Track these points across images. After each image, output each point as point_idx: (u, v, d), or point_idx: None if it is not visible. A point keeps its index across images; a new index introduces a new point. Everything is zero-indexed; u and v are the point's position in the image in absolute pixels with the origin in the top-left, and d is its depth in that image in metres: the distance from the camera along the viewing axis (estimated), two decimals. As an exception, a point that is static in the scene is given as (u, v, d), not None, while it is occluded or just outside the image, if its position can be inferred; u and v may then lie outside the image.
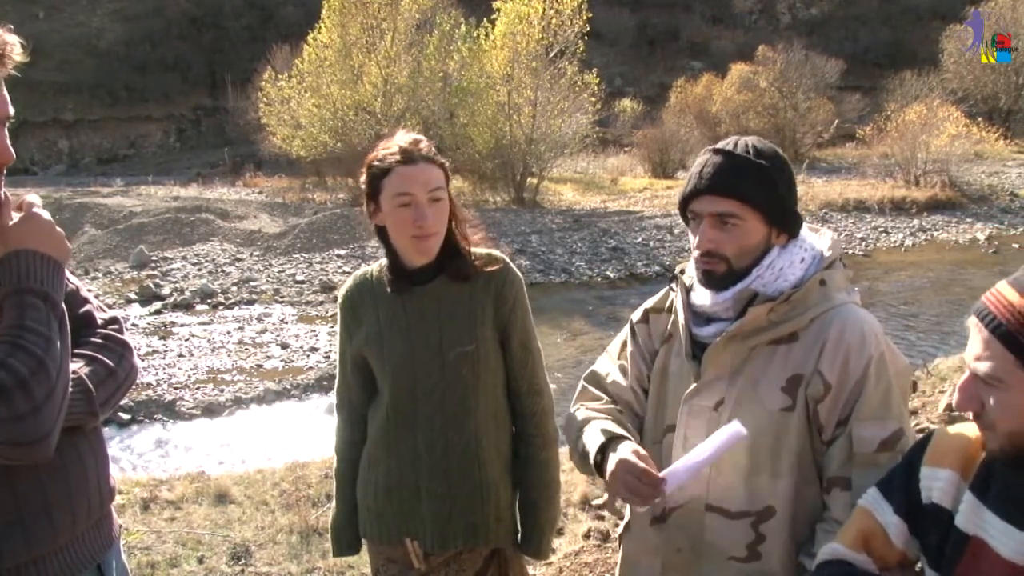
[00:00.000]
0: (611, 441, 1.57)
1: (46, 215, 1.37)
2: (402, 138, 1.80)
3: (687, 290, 1.63)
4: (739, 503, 1.51)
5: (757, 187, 1.50)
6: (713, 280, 1.54)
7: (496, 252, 1.89)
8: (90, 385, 1.37)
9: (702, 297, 1.57)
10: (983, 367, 1.10)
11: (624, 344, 1.77)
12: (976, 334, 1.12)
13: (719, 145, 1.57)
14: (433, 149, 1.81)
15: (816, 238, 1.60)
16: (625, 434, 1.59)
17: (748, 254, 1.52)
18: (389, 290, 1.84)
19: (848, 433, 1.43)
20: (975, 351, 1.12)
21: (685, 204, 1.58)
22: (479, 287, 1.83)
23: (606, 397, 1.75)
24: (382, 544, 1.92)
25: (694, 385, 1.56)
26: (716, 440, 1.42)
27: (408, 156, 1.75)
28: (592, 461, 1.59)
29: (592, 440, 1.60)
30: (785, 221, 1.54)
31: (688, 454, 1.46)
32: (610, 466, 1.51)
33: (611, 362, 1.79)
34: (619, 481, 1.48)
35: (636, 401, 1.72)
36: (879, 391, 1.44)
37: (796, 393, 1.47)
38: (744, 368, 1.52)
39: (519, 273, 1.90)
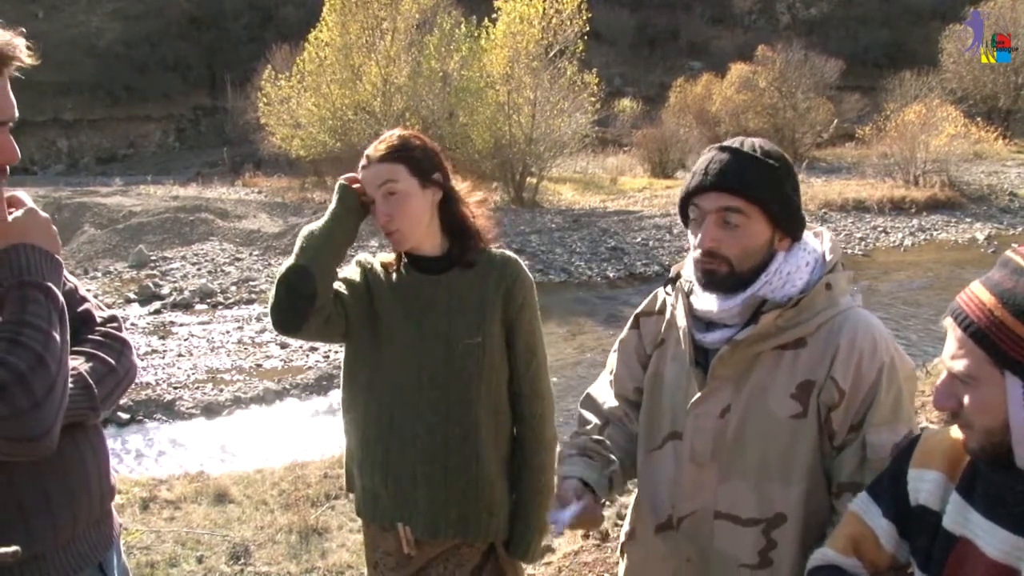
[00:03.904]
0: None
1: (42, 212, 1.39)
2: (375, 142, 1.85)
3: (687, 295, 1.58)
4: (750, 510, 1.50)
5: (765, 185, 1.47)
6: (714, 282, 1.50)
7: (509, 253, 1.93)
8: (91, 381, 1.38)
9: (706, 302, 1.53)
10: (958, 365, 1.12)
11: (614, 360, 1.77)
12: (951, 334, 1.14)
13: (725, 143, 1.54)
14: (398, 142, 1.82)
15: (815, 240, 1.58)
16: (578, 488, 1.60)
17: (751, 257, 1.48)
18: (404, 274, 1.88)
19: (861, 439, 1.43)
20: (951, 350, 1.14)
21: (687, 201, 1.54)
22: (491, 283, 1.86)
23: (595, 422, 1.74)
24: (374, 525, 1.93)
25: (699, 393, 1.53)
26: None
27: (367, 161, 1.82)
28: None
29: (565, 471, 1.65)
30: (790, 224, 1.51)
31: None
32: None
33: (603, 380, 1.80)
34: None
35: (626, 417, 1.73)
36: (891, 397, 1.43)
37: (808, 400, 1.46)
38: (750, 374, 1.49)
39: (531, 276, 1.92)
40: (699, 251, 1.51)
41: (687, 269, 1.61)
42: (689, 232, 1.56)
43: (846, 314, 1.48)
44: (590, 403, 1.79)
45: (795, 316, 1.46)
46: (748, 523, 1.50)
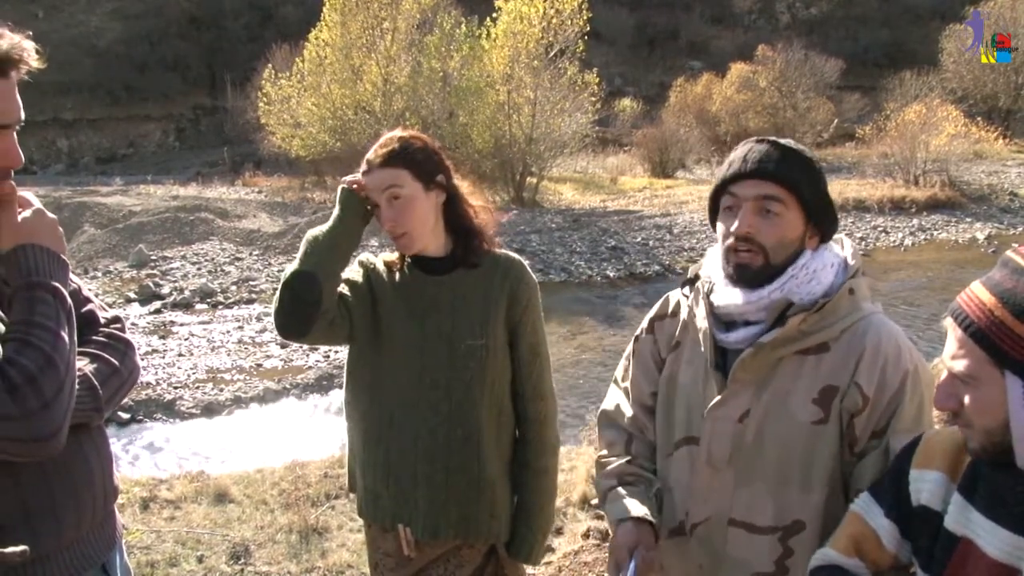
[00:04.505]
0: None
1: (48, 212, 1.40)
2: (375, 145, 1.83)
3: (707, 295, 1.56)
4: (767, 517, 1.48)
5: (804, 177, 1.48)
6: (747, 275, 1.48)
7: (513, 254, 1.92)
8: (95, 382, 1.39)
9: (729, 297, 1.50)
10: (958, 365, 1.12)
11: (627, 367, 1.74)
12: (952, 334, 1.15)
13: (762, 137, 1.55)
14: (399, 145, 1.80)
15: (836, 246, 1.58)
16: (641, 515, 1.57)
17: (785, 248, 1.48)
18: (408, 274, 1.87)
19: (884, 446, 1.42)
20: (951, 350, 1.15)
21: (722, 190, 1.52)
22: (495, 284, 1.85)
23: (618, 440, 1.70)
24: (375, 526, 1.93)
25: (719, 397, 1.50)
26: None
27: (368, 167, 1.81)
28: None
29: (614, 513, 1.61)
30: (823, 220, 1.51)
31: None
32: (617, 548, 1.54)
33: (617, 391, 1.76)
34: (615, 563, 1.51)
35: (646, 427, 1.69)
36: (914, 404, 1.43)
37: (830, 405, 1.44)
38: (771, 379, 1.47)
39: (534, 277, 1.92)
40: (732, 239, 1.48)
41: (706, 269, 1.59)
42: (719, 224, 1.54)
43: (869, 319, 1.48)
44: (607, 420, 1.75)
45: (819, 320, 1.45)
46: (764, 531, 1.48)
